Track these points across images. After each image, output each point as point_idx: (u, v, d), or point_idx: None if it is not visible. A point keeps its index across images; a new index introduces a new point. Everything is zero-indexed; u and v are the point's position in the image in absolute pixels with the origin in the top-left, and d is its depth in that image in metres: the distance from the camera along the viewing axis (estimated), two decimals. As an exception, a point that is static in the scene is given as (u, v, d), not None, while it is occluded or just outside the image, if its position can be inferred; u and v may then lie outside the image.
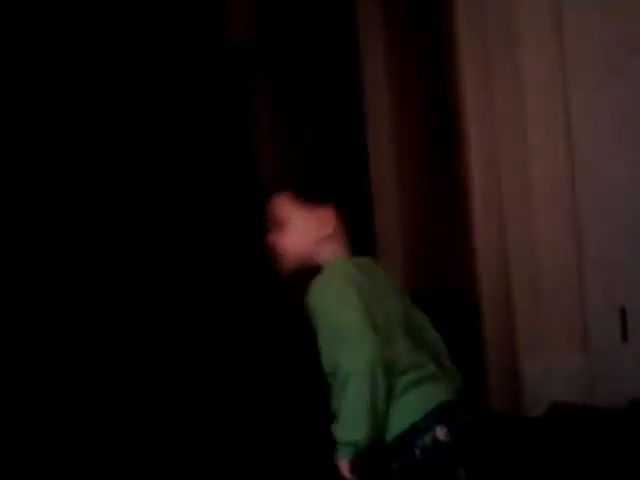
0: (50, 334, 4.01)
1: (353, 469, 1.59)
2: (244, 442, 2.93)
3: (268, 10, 4.35)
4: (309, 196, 1.73)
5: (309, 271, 1.71)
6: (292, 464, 2.70)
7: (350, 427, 1.55)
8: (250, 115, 4.51)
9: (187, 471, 2.77)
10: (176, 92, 4.61)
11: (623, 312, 2.81)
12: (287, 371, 3.51)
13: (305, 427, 2.90)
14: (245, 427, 3.05)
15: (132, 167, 4.62)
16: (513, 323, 2.83)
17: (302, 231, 1.71)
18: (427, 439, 1.59)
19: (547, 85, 2.86)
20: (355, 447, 1.56)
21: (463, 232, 2.99)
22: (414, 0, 3.58)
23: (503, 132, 2.86)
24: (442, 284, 3.30)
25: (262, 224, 1.78)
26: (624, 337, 2.82)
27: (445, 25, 3.08)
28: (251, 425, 3.06)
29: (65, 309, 4.18)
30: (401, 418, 1.60)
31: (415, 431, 1.59)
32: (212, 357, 3.79)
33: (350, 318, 1.57)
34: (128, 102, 4.61)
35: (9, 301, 4.04)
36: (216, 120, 4.59)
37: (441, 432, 1.60)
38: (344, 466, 1.59)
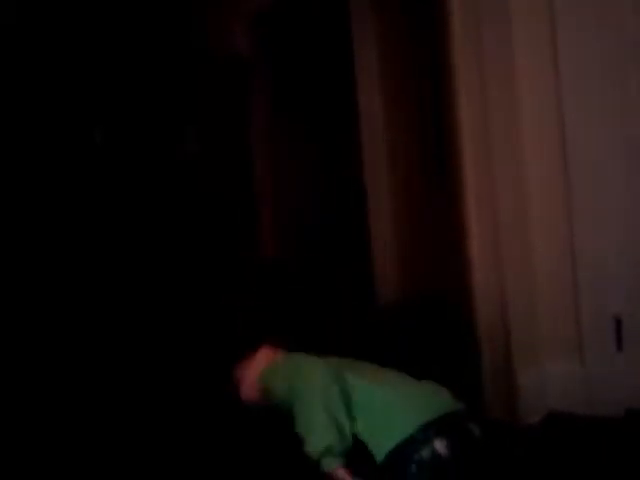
0: (49, 333, 4.01)
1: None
2: (243, 442, 2.93)
3: (265, 20, 4.36)
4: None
5: None
6: (289, 465, 2.70)
7: (316, 436, 1.69)
8: (247, 121, 4.52)
9: (187, 471, 2.76)
10: (176, 99, 4.62)
11: (618, 321, 2.82)
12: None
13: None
14: (245, 427, 3.04)
15: (132, 170, 4.63)
16: (509, 333, 2.82)
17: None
18: (425, 453, 1.58)
19: (541, 91, 2.86)
20: (331, 453, 1.65)
21: (458, 243, 2.99)
22: (409, 5, 3.58)
23: (497, 140, 2.87)
24: (437, 295, 3.30)
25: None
26: (619, 346, 2.82)
27: (440, 34, 3.07)
28: (251, 425, 3.06)
29: (64, 308, 4.18)
30: (393, 433, 1.60)
31: (411, 444, 1.58)
32: (211, 357, 3.78)
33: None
34: (128, 106, 4.62)
35: (8, 301, 4.04)
36: (214, 126, 4.60)
37: (441, 445, 1.58)
38: (339, 475, 1.64)
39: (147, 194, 4.60)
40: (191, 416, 3.18)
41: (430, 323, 3.10)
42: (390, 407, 1.71)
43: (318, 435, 1.67)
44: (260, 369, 2.01)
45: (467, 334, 2.93)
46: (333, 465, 1.66)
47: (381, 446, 1.64)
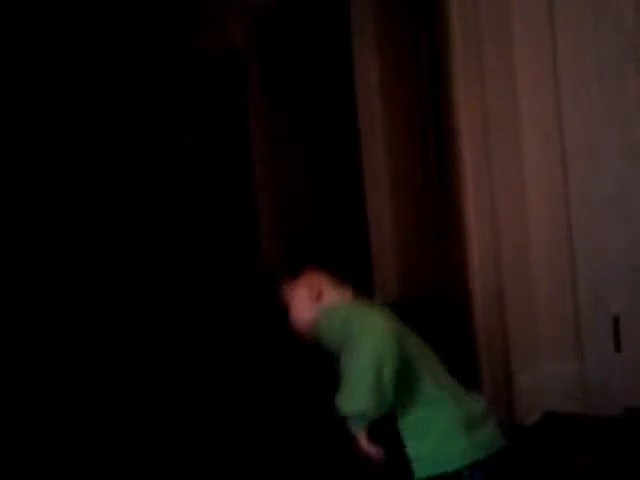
0: (48, 334, 4.02)
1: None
2: (244, 442, 2.93)
3: (265, 18, 4.36)
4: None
5: None
6: (291, 464, 2.70)
7: (354, 398, 1.62)
8: (245, 118, 4.52)
9: (187, 471, 2.76)
10: (173, 97, 4.63)
11: (616, 321, 2.82)
12: (285, 372, 3.51)
13: (303, 427, 2.91)
14: (244, 428, 3.05)
15: (131, 170, 4.64)
16: (507, 332, 2.83)
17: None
18: None
19: (540, 89, 2.87)
20: (362, 420, 1.63)
21: (457, 244, 2.99)
22: (409, 9, 3.58)
23: (497, 141, 2.87)
24: (436, 293, 3.30)
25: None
26: (617, 346, 2.82)
27: (440, 35, 3.08)
28: (250, 426, 3.06)
29: (65, 309, 4.18)
30: (447, 458, 1.61)
31: (453, 477, 1.62)
32: (211, 358, 3.79)
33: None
34: (126, 107, 4.63)
35: (9, 301, 4.05)
36: (212, 122, 4.61)
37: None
38: (359, 438, 1.65)
39: (145, 193, 4.61)
40: (190, 417, 3.18)
41: (428, 323, 3.09)
42: (452, 430, 1.65)
43: (357, 398, 1.62)
44: (317, 299, 1.85)
45: (465, 334, 2.93)
46: (358, 427, 1.65)
47: (426, 467, 1.63)
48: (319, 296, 1.85)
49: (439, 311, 3.08)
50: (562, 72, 2.82)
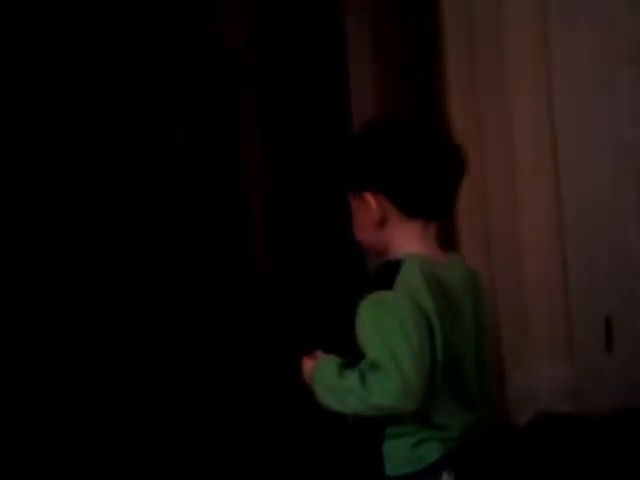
0: (46, 334, 4.03)
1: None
2: (242, 443, 2.94)
3: (259, 16, 4.38)
4: (347, 186, 1.61)
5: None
6: (290, 464, 2.71)
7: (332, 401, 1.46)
8: (237, 117, 4.53)
9: (187, 471, 2.77)
10: (168, 95, 4.65)
11: (608, 321, 2.82)
12: (283, 372, 3.51)
13: (301, 428, 2.92)
14: (243, 428, 3.05)
15: (131, 169, 4.66)
16: (498, 332, 2.82)
17: (356, 219, 1.59)
18: None
19: (533, 90, 2.86)
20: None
21: (448, 244, 2.98)
22: (403, 15, 3.59)
23: (489, 142, 2.86)
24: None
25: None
26: (609, 347, 2.82)
27: (432, 38, 3.08)
28: (248, 426, 3.07)
29: (64, 310, 4.19)
30: (410, 462, 1.55)
31: (421, 473, 1.56)
32: (210, 358, 3.79)
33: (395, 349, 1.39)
34: (126, 106, 4.65)
35: (9, 301, 4.06)
36: (204, 122, 4.62)
37: (448, 478, 1.56)
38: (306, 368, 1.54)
39: (145, 193, 4.62)
40: (189, 417, 3.19)
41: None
42: (433, 444, 1.52)
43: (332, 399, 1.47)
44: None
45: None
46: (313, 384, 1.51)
47: (404, 464, 1.52)
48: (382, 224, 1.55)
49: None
50: (555, 72, 2.82)
